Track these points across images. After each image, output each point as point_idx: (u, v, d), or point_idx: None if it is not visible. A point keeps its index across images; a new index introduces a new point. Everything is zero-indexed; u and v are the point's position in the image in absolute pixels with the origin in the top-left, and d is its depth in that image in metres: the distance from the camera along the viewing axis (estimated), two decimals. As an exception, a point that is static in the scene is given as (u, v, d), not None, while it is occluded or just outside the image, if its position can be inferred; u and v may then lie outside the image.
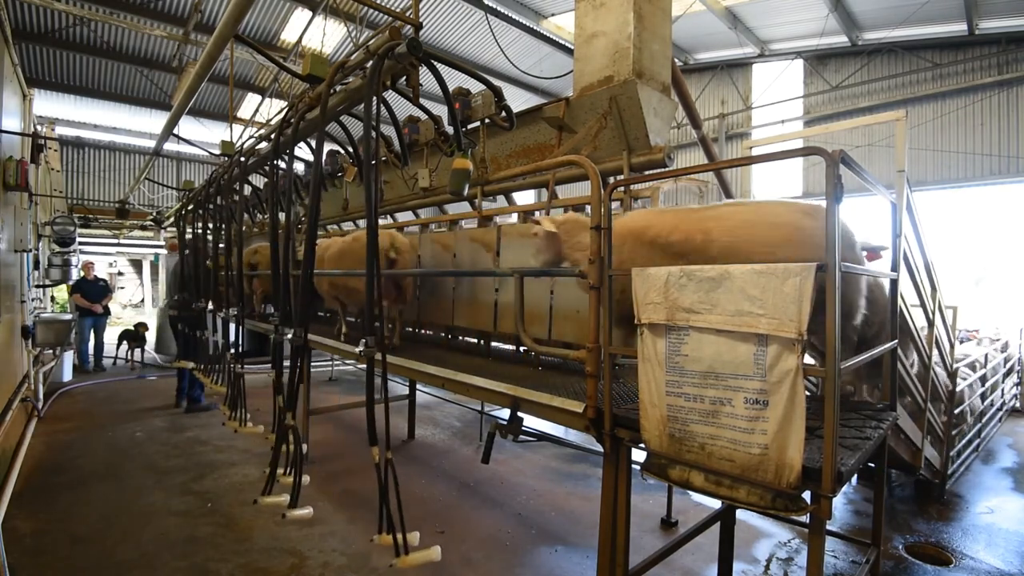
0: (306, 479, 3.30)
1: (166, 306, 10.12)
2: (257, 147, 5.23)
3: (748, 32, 12.27)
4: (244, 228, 5.70)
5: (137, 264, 25.62)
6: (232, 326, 5.22)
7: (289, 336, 3.37)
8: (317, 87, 3.50)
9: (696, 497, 4.90)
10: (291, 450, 3.37)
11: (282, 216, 5.12)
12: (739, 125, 14.32)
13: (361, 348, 2.82)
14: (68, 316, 9.60)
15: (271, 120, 8.75)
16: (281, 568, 3.63)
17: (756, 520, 4.50)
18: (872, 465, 3.27)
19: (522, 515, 4.64)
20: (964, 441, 5.72)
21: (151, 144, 14.23)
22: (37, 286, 9.31)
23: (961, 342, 8.14)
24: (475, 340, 4.95)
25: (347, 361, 10.06)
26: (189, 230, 6.97)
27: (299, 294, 3.33)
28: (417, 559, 2.71)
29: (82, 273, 10.71)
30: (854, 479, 5.35)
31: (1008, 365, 8.06)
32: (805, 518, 1.90)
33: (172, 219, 10.84)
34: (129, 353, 11.38)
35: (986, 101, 10.69)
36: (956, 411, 5.20)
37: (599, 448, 2.47)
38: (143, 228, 15.97)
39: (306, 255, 3.14)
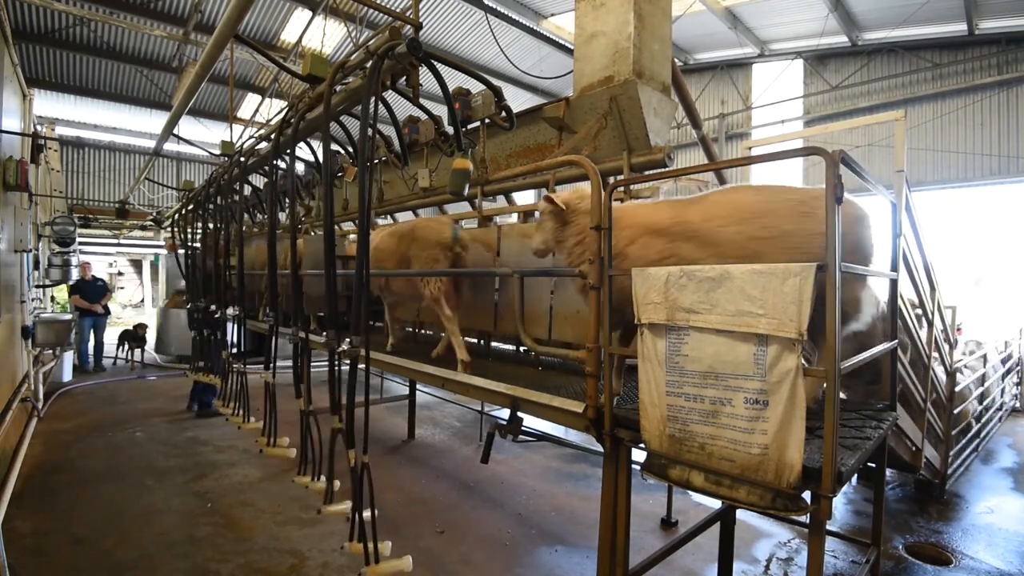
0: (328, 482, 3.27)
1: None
2: (257, 147, 5.23)
3: (748, 32, 12.26)
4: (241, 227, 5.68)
5: (137, 264, 25.64)
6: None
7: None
8: (318, 87, 3.49)
9: (696, 497, 4.90)
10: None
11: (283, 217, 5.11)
12: (739, 125, 14.31)
13: (345, 346, 2.72)
14: (68, 316, 9.61)
15: (271, 120, 8.74)
16: (281, 568, 3.63)
17: (756, 520, 4.50)
18: (872, 465, 3.27)
19: (522, 515, 4.64)
20: (964, 441, 5.72)
21: (151, 144, 14.20)
22: (37, 286, 9.31)
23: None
24: (475, 340, 4.95)
25: (346, 361, 10.04)
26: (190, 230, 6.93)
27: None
28: (386, 569, 2.63)
29: (79, 275, 10.71)
30: (854, 479, 5.35)
31: (1007, 365, 8.05)
32: (805, 518, 1.90)
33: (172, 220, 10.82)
34: (129, 353, 11.39)
35: (986, 101, 10.69)
36: (956, 411, 5.21)
37: (599, 448, 2.47)
38: (143, 228, 15.98)
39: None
